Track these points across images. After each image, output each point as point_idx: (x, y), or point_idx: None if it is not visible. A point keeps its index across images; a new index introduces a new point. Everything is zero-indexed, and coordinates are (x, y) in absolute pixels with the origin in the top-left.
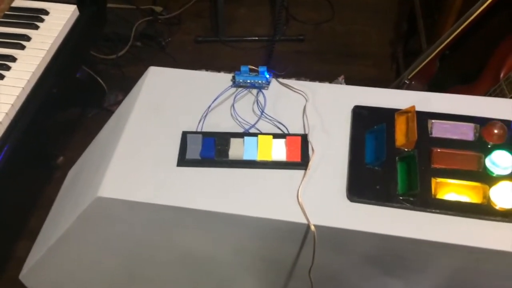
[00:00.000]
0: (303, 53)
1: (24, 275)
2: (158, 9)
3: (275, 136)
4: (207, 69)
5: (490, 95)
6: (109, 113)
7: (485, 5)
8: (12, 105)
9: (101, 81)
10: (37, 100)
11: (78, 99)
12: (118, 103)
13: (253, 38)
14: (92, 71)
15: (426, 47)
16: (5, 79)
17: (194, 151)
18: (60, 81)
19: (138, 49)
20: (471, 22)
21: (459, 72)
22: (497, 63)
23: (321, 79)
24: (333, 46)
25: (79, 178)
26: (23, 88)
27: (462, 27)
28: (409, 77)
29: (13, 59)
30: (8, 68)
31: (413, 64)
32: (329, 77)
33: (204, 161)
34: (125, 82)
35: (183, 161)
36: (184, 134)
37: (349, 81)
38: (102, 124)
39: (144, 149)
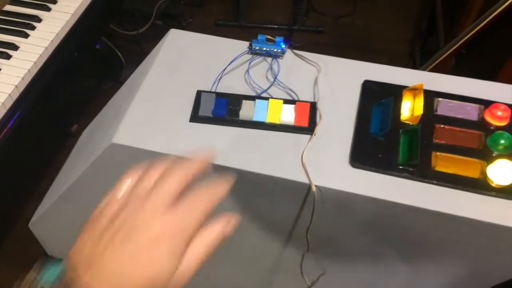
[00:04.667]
0: (321, 45)
1: (33, 223)
2: None
3: (286, 101)
4: None
5: None
6: None
7: (504, 5)
8: (35, 63)
9: (120, 54)
10: (58, 62)
11: (95, 70)
12: None
13: (273, 26)
14: (111, 44)
15: (444, 46)
16: (29, 38)
17: (206, 109)
18: (81, 46)
19: (158, 27)
20: (489, 22)
21: (474, 72)
22: None
23: None
24: (351, 40)
25: (93, 133)
26: (46, 48)
27: (480, 26)
28: None
29: (38, 19)
30: (33, 27)
31: (429, 60)
32: None
33: (216, 119)
34: (142, 58)
35: (195, 117)
36: (199, 93)
37: None
38: None
39: (160, 103)
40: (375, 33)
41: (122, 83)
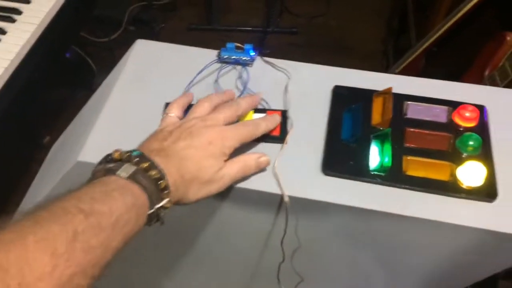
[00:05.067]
0: (296, 45)
1: None
2: None
3: (256, 110)
4: None
5: None
6: None
7: (472, 3)
8: (1, 76)
9: (91, 62)
10: (26, 74)
11: (67, 80)
12: None
13: (247, 28)
14: (82, 52)
15: (416, 44)
16: None
17: None
18: (50, 57)
19: (130, 33)
20: (458, 20)
21: (445, 69)
22: (483, 62)
23: None
24: (325, 40)
25: (61, 148)
26: (11, 60)
27: (449, 24)
28: (396, 72)
29: (2, 32)
30: None
31: (401, 59)
32: None
33: None
34: (115, 65)
35: None
36: (167, 105)
37: None
38: None
39: (127, 118)
40: (349, 33)
41: (94, 91)
